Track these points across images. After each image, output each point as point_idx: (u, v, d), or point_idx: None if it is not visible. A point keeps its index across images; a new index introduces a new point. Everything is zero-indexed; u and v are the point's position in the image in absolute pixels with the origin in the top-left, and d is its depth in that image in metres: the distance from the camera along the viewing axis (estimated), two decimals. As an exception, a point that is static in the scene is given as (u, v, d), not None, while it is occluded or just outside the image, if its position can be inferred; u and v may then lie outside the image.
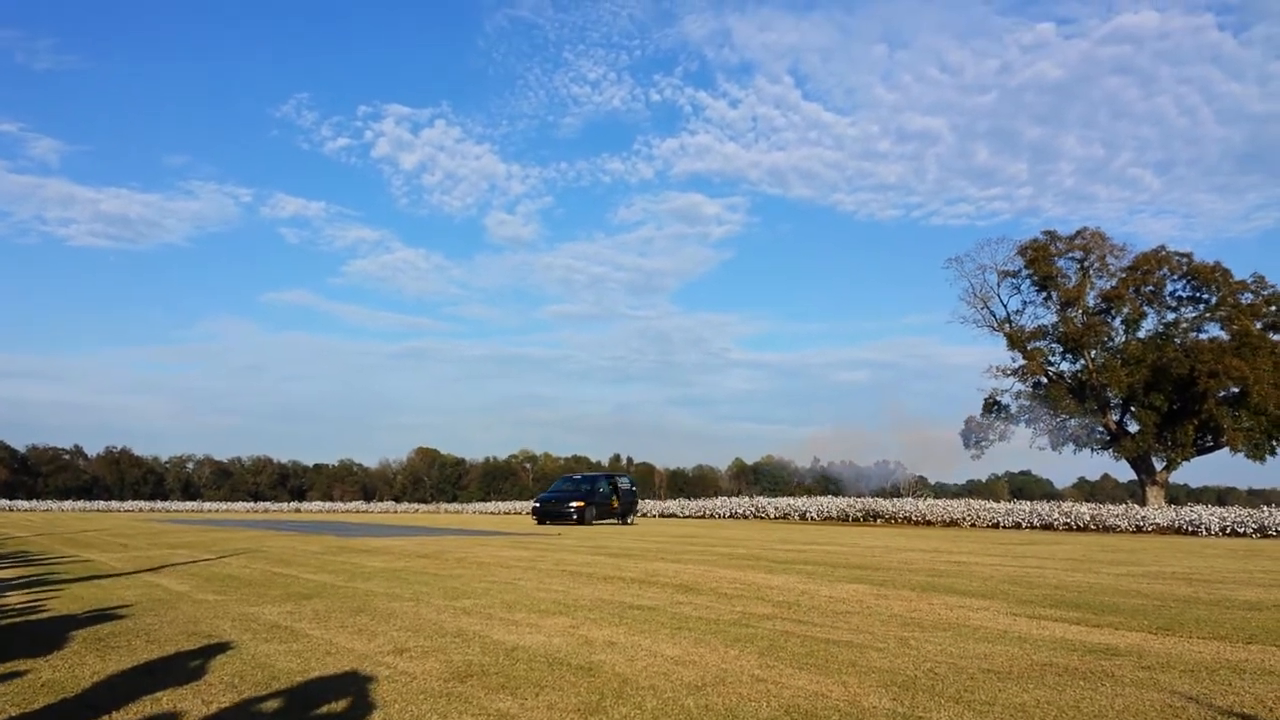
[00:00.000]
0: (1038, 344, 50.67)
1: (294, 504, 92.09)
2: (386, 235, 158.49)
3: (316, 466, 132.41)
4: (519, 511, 61.35)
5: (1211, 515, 31.73)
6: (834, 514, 43.14)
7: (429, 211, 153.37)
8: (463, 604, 9.91)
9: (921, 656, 6.89)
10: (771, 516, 45.12)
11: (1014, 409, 51.80)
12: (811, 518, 43.32)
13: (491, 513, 63.92)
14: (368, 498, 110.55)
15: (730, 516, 46.97)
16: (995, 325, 52.15)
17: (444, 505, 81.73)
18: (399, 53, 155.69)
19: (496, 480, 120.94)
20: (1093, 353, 48.91)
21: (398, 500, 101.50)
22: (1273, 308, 46.81)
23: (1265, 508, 32.87)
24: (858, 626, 8.34)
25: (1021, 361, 50.75)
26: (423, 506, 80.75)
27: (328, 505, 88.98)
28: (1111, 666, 6.56)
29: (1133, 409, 47.76)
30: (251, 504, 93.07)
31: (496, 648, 7.26)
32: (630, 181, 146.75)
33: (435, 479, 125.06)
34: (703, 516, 48.24)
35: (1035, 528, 34.83)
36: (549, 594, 10.80)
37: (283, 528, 33.77)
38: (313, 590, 11.43)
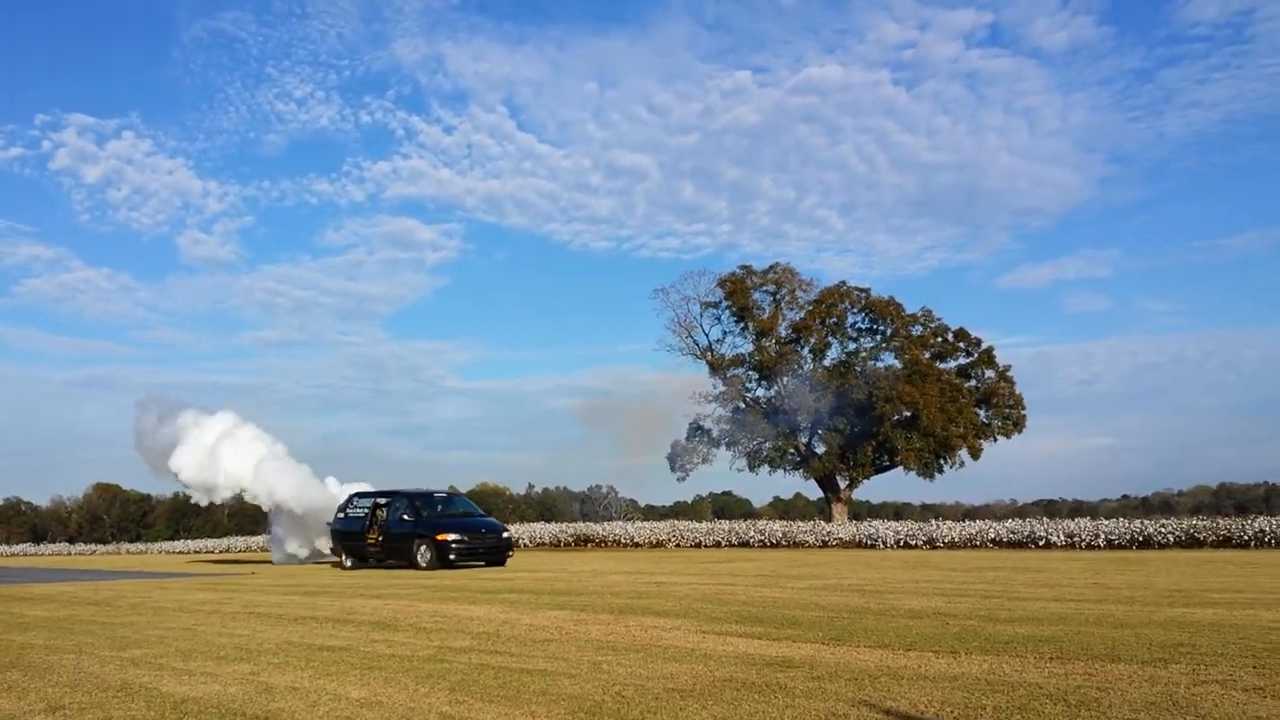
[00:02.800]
0: (736, 371, 53.38)
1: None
2: (64, 253, 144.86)
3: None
4: (211, 551, 57.55)
5: (888, 529, 34.52)
6: (546, 539, 43.41)
7: (114, 228, 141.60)
8: (132, 654, 9.10)
9: (611, 680, 6.98)
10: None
11: (715, 433, 54.21)
12: (525, 544, 43.36)
13: (180, 552, 59.58)
14: (37, 539, 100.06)
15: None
16: (698, 353, 54.48)
17: (126, 546, 75.33)
18: (84, 59, 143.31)
19: (187, 518, 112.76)
20: (784, 379, 52.08)
21: (72, 541, 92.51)
22: (939, 339, 51.66)
23: (934, 521, 36.17)
24: (554, 654, 8.36)
25: (722, 388, 53.26)
26: (101, 547, 74.09)
27: (-12, 550, 79.67)
28: (786, 678, 6.91)
29: (819, 432, 51.21)
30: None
31: (164, 701, 6.69)
32: (339, 203, 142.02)
33: (116, 517, 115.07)
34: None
35: (734, 545, 36.52)
36: (231, 639, 10.13)
37: (-73, 578, 29.87)
38: (-48, 649, 10.14)
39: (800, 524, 38.83)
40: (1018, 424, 48.91)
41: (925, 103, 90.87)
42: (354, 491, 29.44)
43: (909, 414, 48.28)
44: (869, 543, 33.96)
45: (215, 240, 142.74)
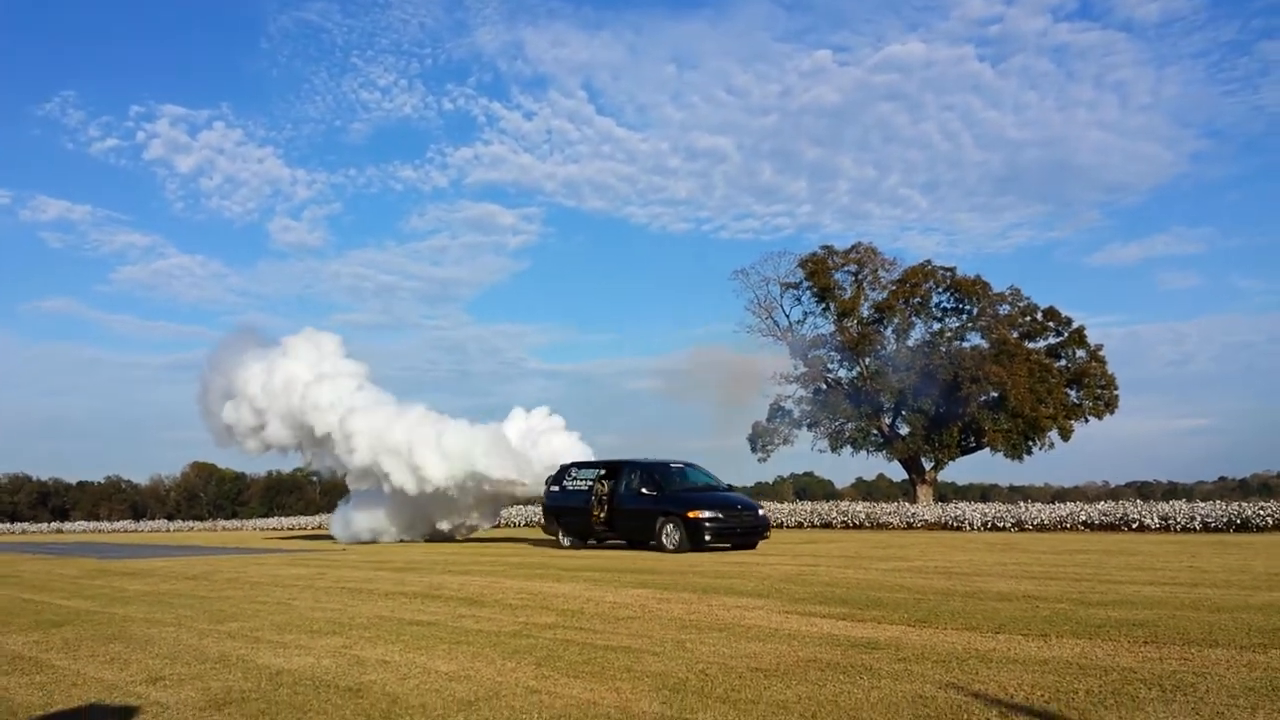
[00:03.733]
0: (817, 352, 52.93)
1: (55, 524, 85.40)
2: (159, 241, 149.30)
3: (80, 484, 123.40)
4: (303, 528, 59.06)
5: (974, 511, 33.92)
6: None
7: (206, 216, 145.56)
8: (228, 627, 9.41)
9: (695, 658, 7.01)
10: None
11: (796, 414, 53.86)
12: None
13: (274, 529, 61.26)
14: (137, 516, 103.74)
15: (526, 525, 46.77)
16: (779, 334, 54.14)
17: (222, 523, 77.66)
18: (175, 52, 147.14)
19: (280, 495, 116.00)
20: (867, 360, 51.48)
21: (170, 518, 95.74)
22: (1027, 318, 50.52)
23: (1022, 503, 35.45)
24: (638, 631, 8.42)
25: (803, 369, 52.87)
26: (199, 524, 76.50)
27: (93, 525, 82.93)
28: (871, 660, 6.86)
29: (903, 413, 50.56)
30: (8, 525, 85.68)
31: (260, 672, 6.91)
32: (423, 189, 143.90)
33: (213, 495, 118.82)
34: (498, 526, 47.81)
35: (816, 526, 36.31)
36: (324, 613, 10.40)
37: (40, 550, 31.24)
38: (64, 617, 10.60)
39: (884, 505, 38.43)
40: (1110, 404, 47.64)
41: (1012, 78, 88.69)
42: (570, 462, 25.80)
43: (996, 394, 47.40)
44: (955, 525, 33.45)
45: (304, 226, 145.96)
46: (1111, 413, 47.59)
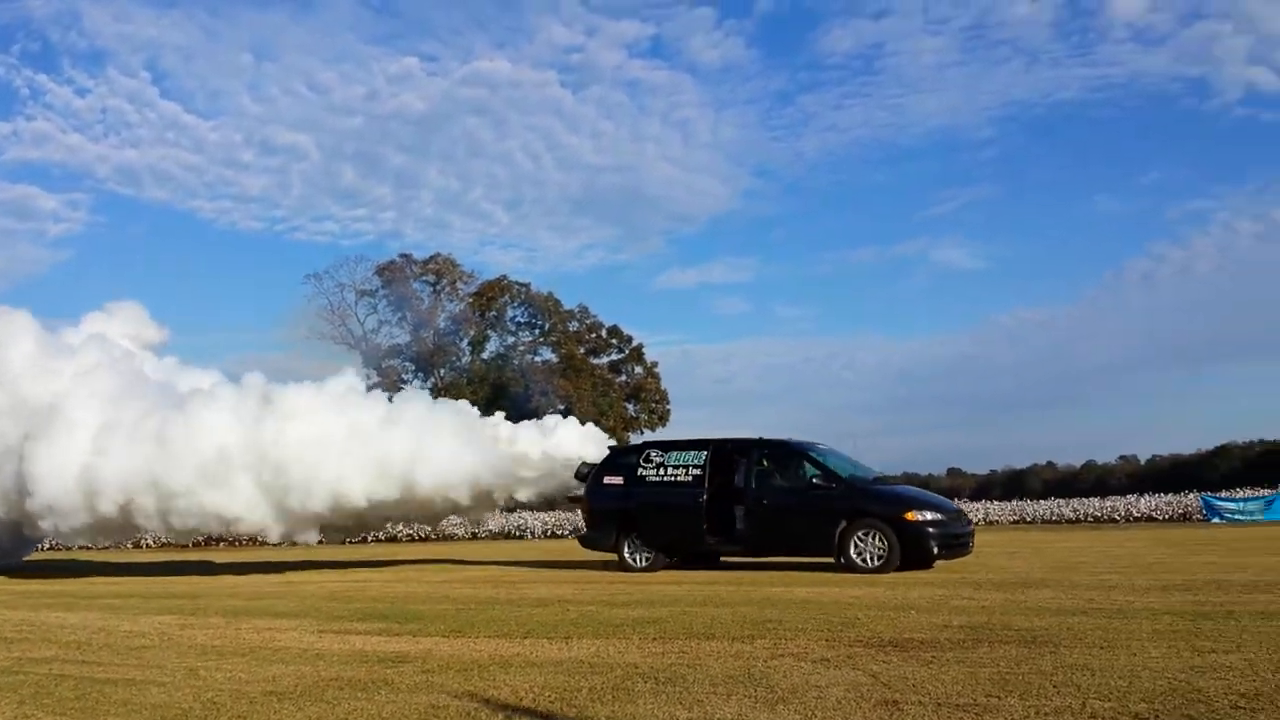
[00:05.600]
0: (392, 362, 52.40)
1: None
2: None
3: None
4: None
5: (536, 520, 35.26)
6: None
7: None
8: None
9: (206, 686, 6.59)
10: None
11: (370, 425, 52.97)
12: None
13: None
14: None
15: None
16: (352, 343, 52.95)
17: None
18: None
19: None
20: (442, 371, 51.77)
21: None
22: (594, 335, 53.37)
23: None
24: (149, 661, 7.78)
25: (376, 379, 52.08)
26: None
27: None
28: (395, 674, 6.82)
29: (476, 425, 51.52)
30: None
31: None
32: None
33: None
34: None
35: (381, 541, 35.80)
36: None
37: None
38: None
39: (452, 517, 38.72)
40: (663, 417, 51.51)
41: (590, 106, 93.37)
42: (641, 443, 19.10)
43: (564, 407, 49.40)
44: (518, 533, 34.61)
45: None
46: (664, 425, 51.48)
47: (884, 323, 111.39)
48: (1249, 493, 34.98)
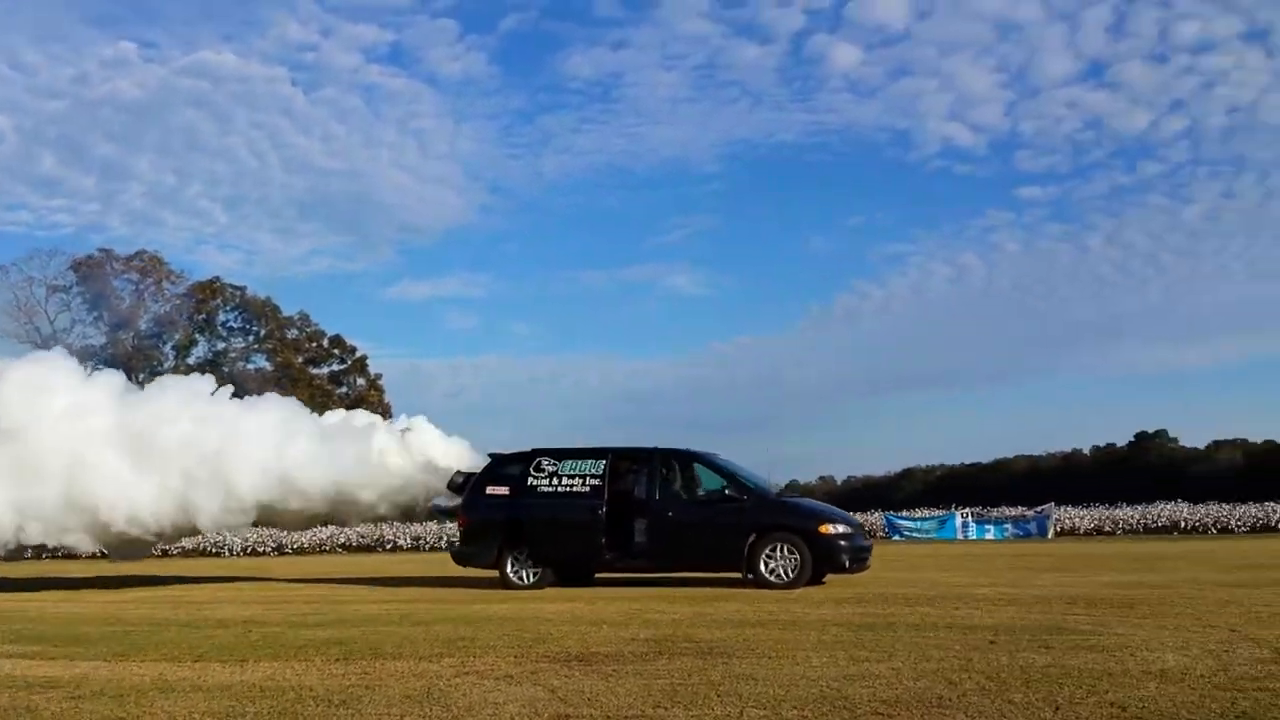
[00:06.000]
0: (84, 364, 48.31)
1: None
2: None
3: None
4: None
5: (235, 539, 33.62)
6: None
7: None
8: None
9: None
10: None
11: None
12: None
13: None
14: None
15: None
16: (39, 342, 48.30)
17: None
18: None
19: None
20: (141, 376, 48.18)
21: None
22: (314, 344, 51.43)
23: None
24: None
25: (66, 381, 47.92)
26: None
27: None
28: (41, 701, 6.24)
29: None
30: None
31: None
32: None
33: None
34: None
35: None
36: None
37: None
38: None
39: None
40: (384, 432, 50.23)
41: (322, 107, 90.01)
42: (529, 450, 15.49)
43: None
44: (215, 551, 32.80)
45: None
46: (385, 440, 50.20)
47: (614, 344, 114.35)
48: (926, 513, 38.39)
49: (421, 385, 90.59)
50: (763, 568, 13.44)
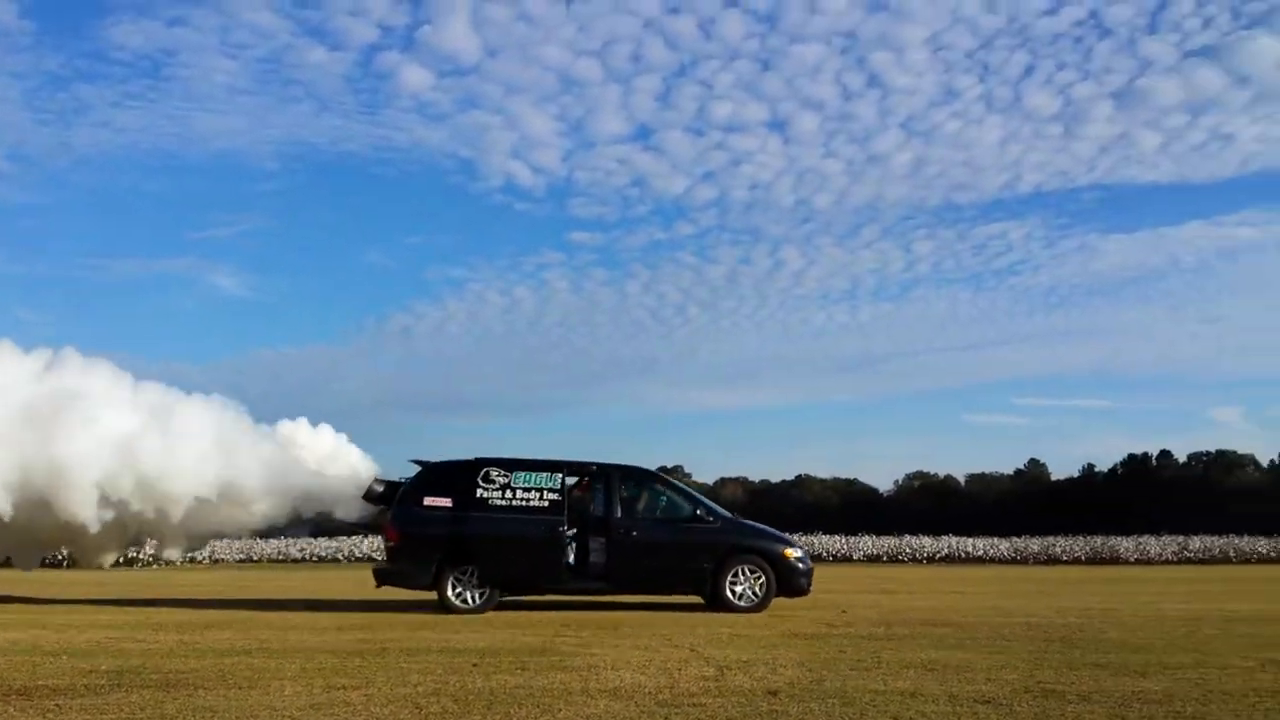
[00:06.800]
0: None
1: None
2: None
3: None
4: None
5: None
6: None
7: None
8: None
9: None
10: None
11: None
12: None
13: None
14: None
15: None
16: None
17: None
18: None
19: None
20: None
21: None
22: None
23: None
24: None
25: None
26: None
27: None
28: None
29: None
30: None
31: None
32: None
33: None
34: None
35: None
36: None
37: None
38: None
39: None
40: None
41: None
42: (472, 459, 13.52)
43: None
44: None
45: None
46: None
47: (141, 341, 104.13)
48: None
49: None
50: (728, 591, 13.27)
